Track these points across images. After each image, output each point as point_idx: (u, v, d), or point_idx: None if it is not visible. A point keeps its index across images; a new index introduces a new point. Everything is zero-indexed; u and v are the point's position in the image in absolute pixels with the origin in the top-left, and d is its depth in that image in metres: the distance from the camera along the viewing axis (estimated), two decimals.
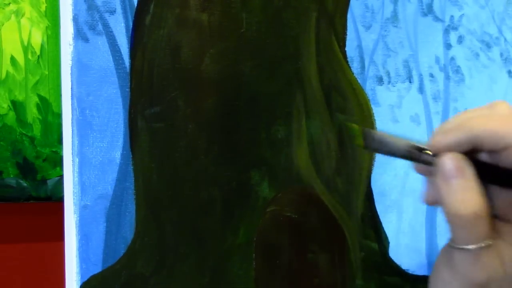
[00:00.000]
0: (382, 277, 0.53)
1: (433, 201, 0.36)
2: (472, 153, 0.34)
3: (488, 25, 0.60)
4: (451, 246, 0.34)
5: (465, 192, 0.33)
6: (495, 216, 0.34)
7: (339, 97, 0.54)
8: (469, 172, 0.33)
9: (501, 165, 0.33)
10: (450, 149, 0.34)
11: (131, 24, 0.48)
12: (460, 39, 0.59)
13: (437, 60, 0.58)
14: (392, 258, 0.53)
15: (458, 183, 0.33)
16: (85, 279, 0.45)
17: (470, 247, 0.33)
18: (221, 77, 0.50)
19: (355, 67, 0.55)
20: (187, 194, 0.49)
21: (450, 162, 0.34)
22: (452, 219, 0.33)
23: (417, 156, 0.35)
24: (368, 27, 0.56)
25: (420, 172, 0.36)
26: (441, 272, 0.34)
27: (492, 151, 0.33)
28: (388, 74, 0.56)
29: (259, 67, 0.51)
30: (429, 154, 0.35)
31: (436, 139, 0.35)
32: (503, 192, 0.34)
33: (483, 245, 0.33)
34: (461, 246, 0.33)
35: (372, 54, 0.56)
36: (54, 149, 0.53)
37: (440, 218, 0.56)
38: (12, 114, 0.51)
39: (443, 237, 0.56)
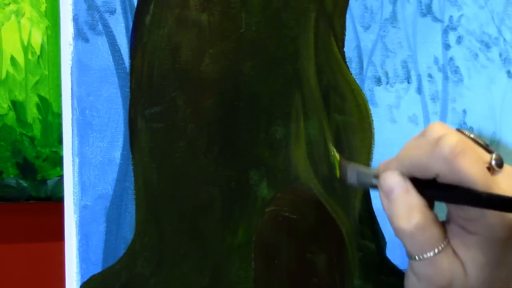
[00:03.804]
0: (379, 277, 0.53)
1: None
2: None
3: (487, 26, 0.61)
4: (408, 257, 0.34)
5: (404, 206, 0.34)
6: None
7: (337, 97, 0.54)
8: (407, 187, 0.34)
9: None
10: None
11: (131, 24, 0.48)
12: (459, 40, 0.60)
13: (436, 61, 0.59)
14: (389, 258, 0.54)
15: (397, 197, 0.34)
16: (85, 279, 0.45)
17: (423, 256, 0.33)
18: (220, 77, 0.50)
19: (353, 67, 0.55)
20: (187, 194, 0.49)
21: (388, 178, 0.35)
22: (398, 233, 0.34)
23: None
24: (367, 28, 0.56)
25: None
26: (410, 278, 0.35)
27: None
28: (386, 74, 0.57)
29: (258, 67, 0.51)
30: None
31: (381, 167, 0.36)
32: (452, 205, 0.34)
33: (436, 251, 0.33)
34: (415, 257, 0.33)
35: (370, 55, 0.56)
36: (54, 149, 0.53)
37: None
38: (12, 114, 0.51)
39: None
